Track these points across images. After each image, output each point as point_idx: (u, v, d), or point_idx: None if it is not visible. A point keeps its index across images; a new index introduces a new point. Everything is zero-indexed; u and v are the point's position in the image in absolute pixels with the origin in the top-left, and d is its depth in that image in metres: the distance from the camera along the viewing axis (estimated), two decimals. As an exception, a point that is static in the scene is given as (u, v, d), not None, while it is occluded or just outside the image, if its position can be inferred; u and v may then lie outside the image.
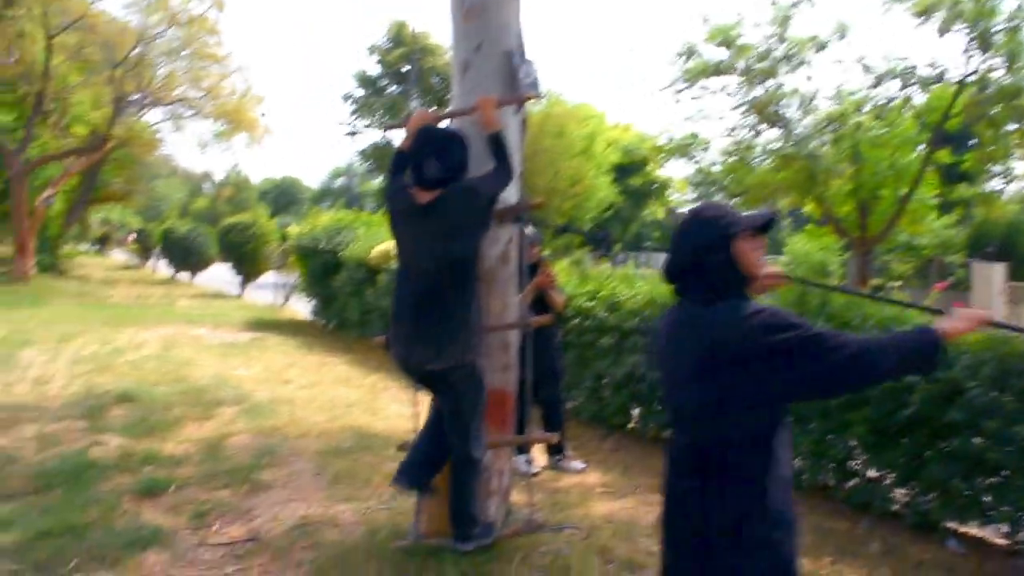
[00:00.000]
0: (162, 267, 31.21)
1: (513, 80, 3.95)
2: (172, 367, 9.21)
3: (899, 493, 4.94)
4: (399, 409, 7.55)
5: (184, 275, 27.49)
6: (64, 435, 6.08)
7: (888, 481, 4.98)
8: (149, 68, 22.18)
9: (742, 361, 2.00)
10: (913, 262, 25.01)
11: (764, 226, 2.20)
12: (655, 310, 6.76)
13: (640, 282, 7.70)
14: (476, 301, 3.55)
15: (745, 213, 2.23)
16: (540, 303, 5.70)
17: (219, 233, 22.73)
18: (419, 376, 3.72)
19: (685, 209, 2.33)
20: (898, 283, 22.26)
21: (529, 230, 5.10)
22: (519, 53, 4.07)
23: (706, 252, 2.12)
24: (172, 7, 21.18)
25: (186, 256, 26.07)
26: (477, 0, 4.01)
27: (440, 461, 3.80)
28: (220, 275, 25.06)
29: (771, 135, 19.56)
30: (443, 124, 3.94)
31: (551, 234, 20.67)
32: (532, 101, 4.15)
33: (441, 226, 3.42)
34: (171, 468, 5.38)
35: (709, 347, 2.05)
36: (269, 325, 14.31)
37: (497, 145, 3.60)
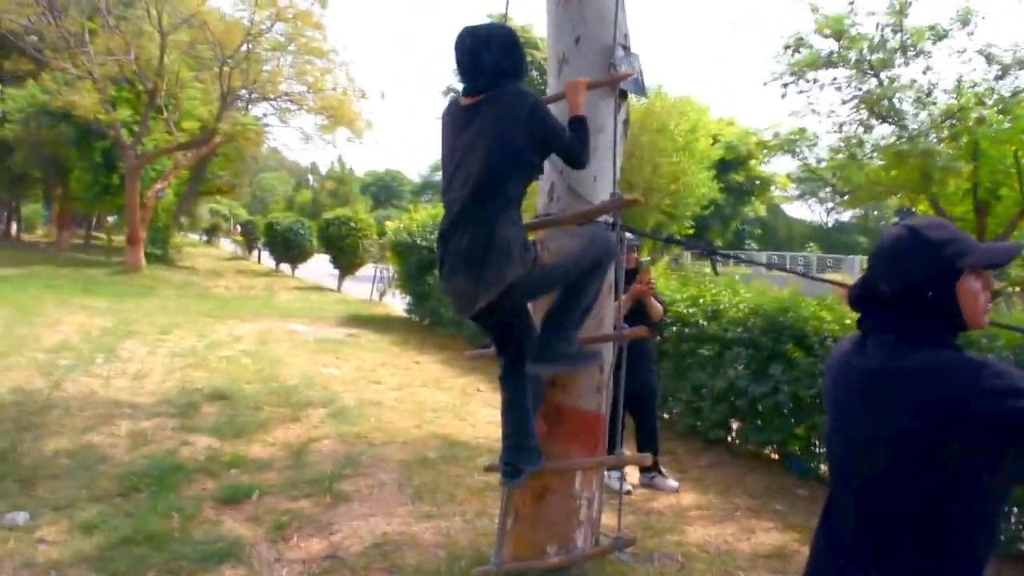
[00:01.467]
0: (265, 258, 32.04)
1: (614, 74, 3.63)
2: (265, 364, 9.26)
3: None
4: (489, 414, 7.35)
5: (286, 267, 28.12)
6: (156, 434, 6.10)
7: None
8: (256, 63, 22.71)
9: (963, 428, 1.55)
10: (1034, 267, 23.38)
11: (1006, 259, 1.73)
12: (759, 320, 6.35)
13: (744, 289, 7.28)
14: (519, 226, 3.05)
15: (981, 244, 1.75)
16: (638, 312, 5.37)
17: (320, 226, 23.13)
18: (475, 316, 3.19)
19: (901, 222, 1.90)
20: (1017, 288, 20.85)
21: (627, 234, 4.78)
22: (622, 46, 3.74)
23: (923, 285, 1.68)
24: (279, 3, 21.60)
25: (288, 248, 26.65)
26: (571, -11, 3.70)
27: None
28: (320, 268, 25.52)
29: (883, 131, 18.54)
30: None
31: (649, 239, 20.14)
32: (635, 98, 3.81)
33: (482, 129, 2.97)
34: (255, 473, 5.30)
35: (921, 405, 1.59)
36: (364, 321, 14.38)
37: (578, 127, 3.17)
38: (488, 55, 3.02)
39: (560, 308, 3.25)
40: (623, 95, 3.72)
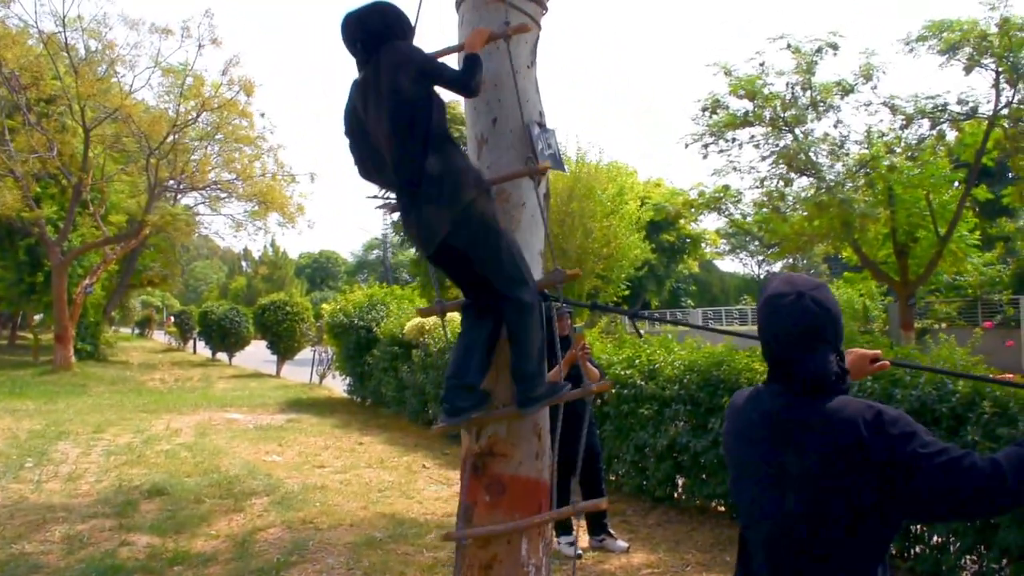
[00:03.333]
0: (201, 348, 31.46)
1: (533, 153, 3.78)
2: (205, 456, 9.06)
3: (968, 560, 4.58)
4: (436, 491, 7.31)
5: (223, 356, 27.64)
6: (92, 536, 5.92)
7: (955, 547, 4.62)
8: (184, 154, 22.62)
9: (872, 470, 1.68)
10: (958, 302, 24.33)
11: None
12: (695, 376, 6.50)
13: (677, 347, 7.45)
14: (455, 154, 3.19)
15: None
16: (574, 377, 5.46)
17: (256, 313, 22.88)
18: (438, 257, 3.26)
19: (776, 278, 2.03)
20: (943, 324, 21.64)
21: (558, 303, 4.90)
22: (538, 124, 3.90)
23: (819, 342, 1.82)
24: (204, 93, 21.65)
25: (224, 337, 26.27)
26: (490, 72, 3.86)
27: (483, 365, 3.38)
28: (257, 354, 25.15)
29: (803, 183, 19.27)
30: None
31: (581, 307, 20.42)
32: (553, 172, 3.95)
33: (381, 86, 3.11)
34: (199, 568, 5.18)
35: (832, 451, 1.72)
36: (305, 405, 14.19)
37: (470, 61, 3.25)
38: (369, 24, 3.20)
39: (516, 361, 3.33)
40: (542, 172, 3.86)
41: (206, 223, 27.85)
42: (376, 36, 3.21)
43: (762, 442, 1.85)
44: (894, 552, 4.94)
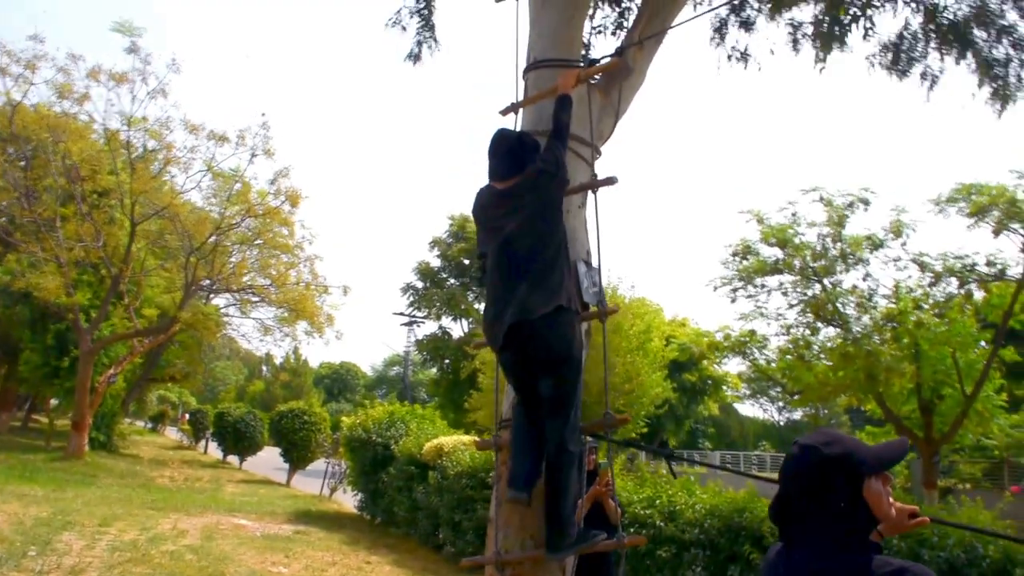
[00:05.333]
0: (213, 449, 31.25)
1: (578, 289, 3.90)
2: (211, 561, 8.90)
3: None
4: (442, 619, 7.09)
5: (234, 458, 27.39)
6: (91, 636, 5.78)
7: None
8: (223, 255, 23.21)
9: None
10: (983, 463, 23.80)
11: (897, 460, 1.91)
12: (716, 521, 6.39)
13: (699, 489, 7.35)
14: (566, 263, 3.54)
15: (873, 446, 1.93)
16: (596, 514, 5.40)
17: (272, 418, 22.83)
18: (516, 351, 3.39)
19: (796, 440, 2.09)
20: (967, 485, 21.07)
21: (587, 438, 4.91)
22: (586, 262, 4.03)
23: (830, 496, 1.83)
24: (251, 200, 22.41)
25: (238, 439, 26.13)
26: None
27: (538, 465, 3.48)
28: (269, 460, 24.92)
29: (829, 332, 19.32)
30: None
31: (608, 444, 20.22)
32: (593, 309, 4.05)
33: (524, 205, 3.50)
34: None
35: None
36: (314, 517, 13.96)
37: (562, 106, 3.72)
38: (526, 144, 3.69)
39: (553, 505, 3.40)
40: (585, 307, 3.97)
41: (234, 324, 28.18)
42: (525, 156, 3.64)
43: None
44: None
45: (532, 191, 3.54)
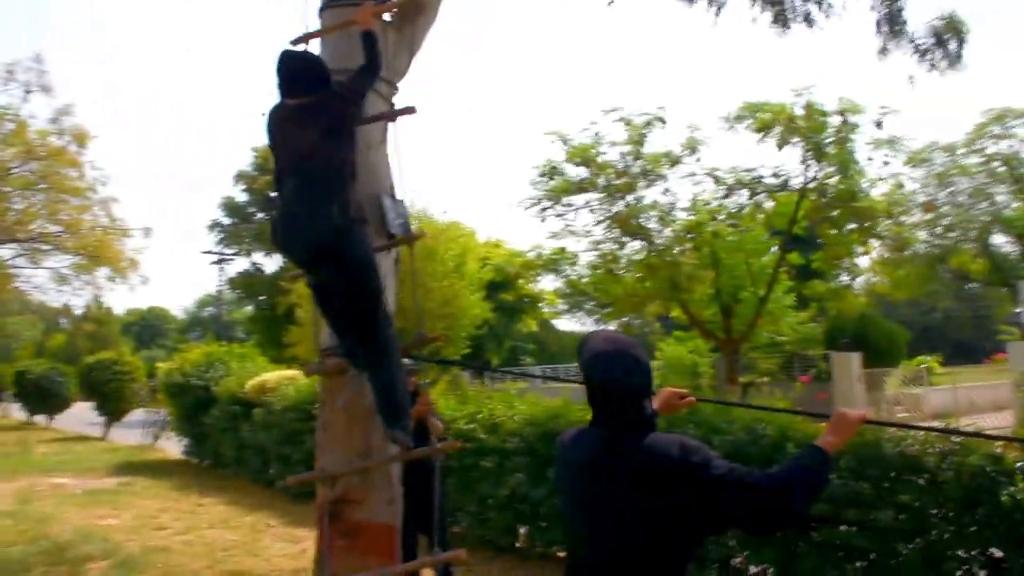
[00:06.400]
0: (14, 411, 29.28)
1: (383, 221, 4.12)
2: (30, 523, 8.59)
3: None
4: (283, 548, 7.32)
5: (41, 418, 25.81)
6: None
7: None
8: (3, 203, 21.38)
9: (680, 491, 2.07)
10: (777, 358, 26.34)
11: None
12: (535, 429, 6.91)
13: (518, 402, 7.85)
14: (354, 181, 3.70)
15: None
16: (420, 432, 5.74)
17: (81, 372, 21.65)
18: (309, 264, 3.73)
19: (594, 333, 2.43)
20: (766, 379, 23.39)
21: (405, 360, 5.19)
22: (389, 195, 4.25)
23: (638, 392, 2.22)
24: (30, 139, 20.66)
25: (43, 398, 24.59)
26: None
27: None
28: (81, 416, 23.68)
29: (634, 246, 20.54)
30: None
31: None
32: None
33: (318, 126, 3.61)
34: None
35: (630, 488, 2.12)
36: (138, 467, 13.61)
37: (369, 42, 3.80)
38: (316, 69, 3.75)
39: (387, 396, 3.70)
40: (391, 238, 4.21)
41: (25, 276, 26.15)
42: (317, 80, 3.70)
43: (588, 475, 2.24)
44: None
45: (326, 112, 3.66)
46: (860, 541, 4.56)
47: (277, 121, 3.81)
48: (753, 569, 5.30)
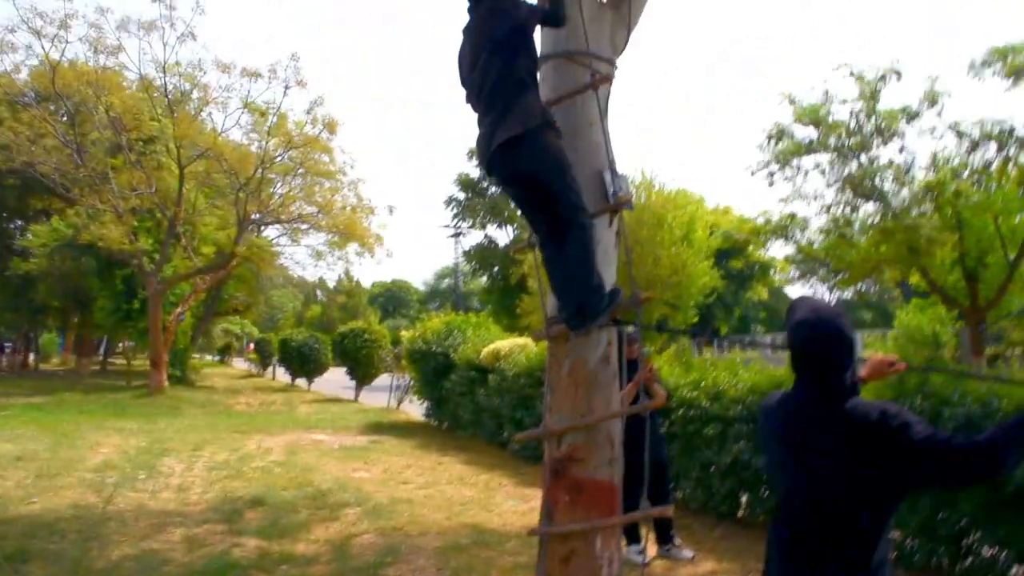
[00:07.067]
0: (281, 374, 32.63)
1: (605, 196, 4.32)
2: (297, 472, 9.77)
3: (1018, 571, 4.87)
4: (514, 505, 7.83)
5: (302, 381, 28.68)
6: (207, 537, 6.61)
7: (1005, 559, 4.93)
8: (269, 188, 23.89)
9: (881, 453, 2.17)
10: (1031, 328, 23.87)
11: None
12: (757, 397, 6.89)
13: (742, 370, 7.84)
14: (535, 85, 3.79)
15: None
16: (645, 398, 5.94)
17: (335, 340, 23.79)
18: (501, 176, 3.84)
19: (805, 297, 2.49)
20: (1017, 350, 21.26)
21: (629, 328, 5.40)
22: (610, 170, 4.45)
23: (839, 360, 2.31)
24: (289, 131, 22.93)
25: (304, 363, 27.28)
26: (567, 126, 4.41)
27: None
28: (336, 380, 26.07)
29: (869, 209, 19.35)
30: None
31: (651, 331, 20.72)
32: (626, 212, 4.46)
33: (484, 28, 3.76)
34: (304, 567, 5.80)
35: (848, 445, 2.22)
36: (385, 428, 14.89)
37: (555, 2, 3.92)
38: None
39: (585, 277, 3.81)
40: (615, 212, 4.41)
41: (287, 253, 29.15)
42: None
43: (794, 435, 2.36)
44: (944, 564, 5.26)
45: (498, 22, 3.75)
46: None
47: (464, 35, 3.97)
48: (987, 550, 5.04)
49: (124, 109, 20.57)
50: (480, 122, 3.80)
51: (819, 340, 2.34)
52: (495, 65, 3.70)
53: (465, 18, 4.05)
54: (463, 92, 4.01)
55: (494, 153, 3.66)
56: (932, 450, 2.14)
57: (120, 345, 40.62)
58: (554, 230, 3.83)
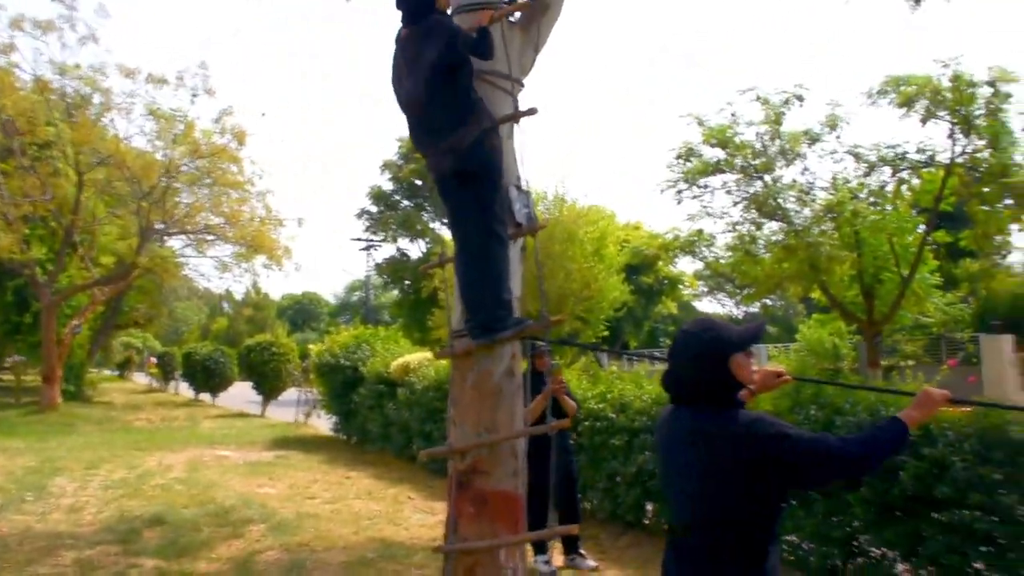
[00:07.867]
0: (184, 389, 31.68)
1: (510, 212, 4.37)
2: (199, 489, 9.49)
3: (902, 569, 5.13)
4: (421, 519, 7.80)
5: (206, 396, 27.89)
6: (101, 559, 6.35)
7: (891, 558, 5.17)
8: (173, 198, 23.16)
9: (762, 461, 2.25)
10: (922, 340, 25.17)
11: (756, 339, 2.51)
12: (662, 409, 7.05)
13: (647, 382, 8.01)
14: (478, 100, 3.92)
15: (737, 329, 2.51)
16: (554, 411, 6.01)
17: (240, 354, 23.24)
18: (456, 164, 3.87)
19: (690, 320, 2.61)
20: (910, 362, 22.41)
21: (538, 341, 5.47)
22: (517, 187, 4.50)
23: (706, 370, 2.40)
24: (196, 139, 22.32)
25: (208, 377, 26.54)
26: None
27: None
28: (242, 394, 25.44)
29: (773, 227, 20.11)
30: None
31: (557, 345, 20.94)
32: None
33: (421, 50, 3.83)
34: (205, 587, 5.64)
35: (715, 459, 2.31)
36: (292, 442, 14.61)
37: (482, 32, 3.94)
38: None
39: (479, 289, 3.92)
40: (518, 227, 4.46)
41: (192, 265, 28.29)
42: (424, 6, 3.94)
43: (684, 447, 2.44)
44: (837, 564, 5.49)
45: (433, 39, 3.81)
46: (984, 525, 4.49)
47: (397, 47, 4.03)
48: (875, 551, 5.28)
49: (17, 112, 19.61)
50: (420, 127, 3.93)
51: (684, 351, 2.46)
52: (440, 75, 3.79)
53: (395, 27, 4.08)
54: (387, 101, 4.10)
55: (445, 153, 3.80)
56: (809, 453, 2.27)
57: (8, 360, 38.66)
58: (474, 239, 3.91)
